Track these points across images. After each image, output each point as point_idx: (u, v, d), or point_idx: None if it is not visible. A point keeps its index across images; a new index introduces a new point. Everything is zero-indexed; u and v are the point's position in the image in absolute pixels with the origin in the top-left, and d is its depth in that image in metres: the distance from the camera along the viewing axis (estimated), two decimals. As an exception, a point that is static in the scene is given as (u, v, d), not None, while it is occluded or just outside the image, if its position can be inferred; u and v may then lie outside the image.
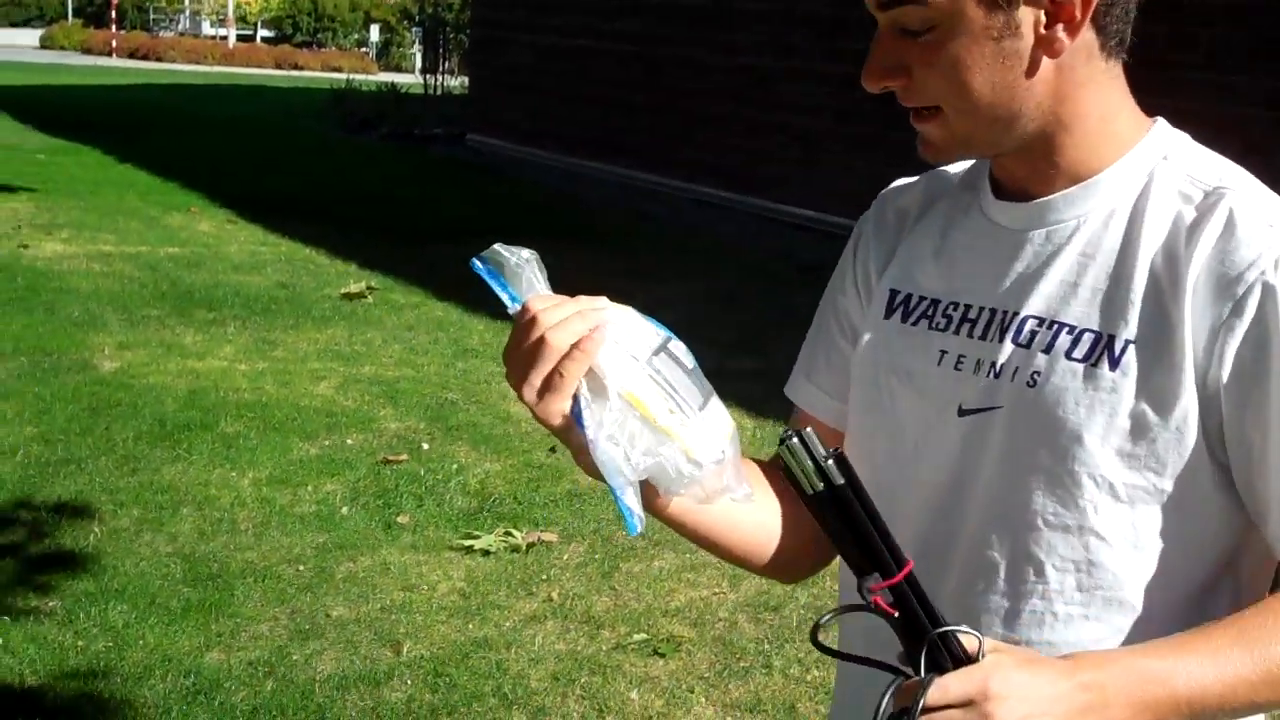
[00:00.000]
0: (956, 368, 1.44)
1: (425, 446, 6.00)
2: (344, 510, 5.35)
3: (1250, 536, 1.38)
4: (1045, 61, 1.36)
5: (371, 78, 24.05)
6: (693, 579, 4.78)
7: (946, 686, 1.19)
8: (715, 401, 1.37)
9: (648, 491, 1.35)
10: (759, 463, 1.61)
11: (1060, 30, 1.34)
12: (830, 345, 1.60)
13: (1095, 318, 1.36)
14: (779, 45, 11.14)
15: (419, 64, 24.66)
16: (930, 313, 1.49)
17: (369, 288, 8.91)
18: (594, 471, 1.31)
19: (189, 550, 4.92)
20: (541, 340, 1.29)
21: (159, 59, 33.52)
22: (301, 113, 20.71)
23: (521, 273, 1.33)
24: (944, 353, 1.45)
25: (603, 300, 1.34)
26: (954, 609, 1.32)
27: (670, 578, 4.76)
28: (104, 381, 6.82)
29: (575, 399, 1.31)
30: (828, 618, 1.31)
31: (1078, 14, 1.35)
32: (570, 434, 1.31)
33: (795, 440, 1.23)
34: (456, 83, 19.81)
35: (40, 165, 14.18)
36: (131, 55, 34.38)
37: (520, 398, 1.32)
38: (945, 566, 1.28)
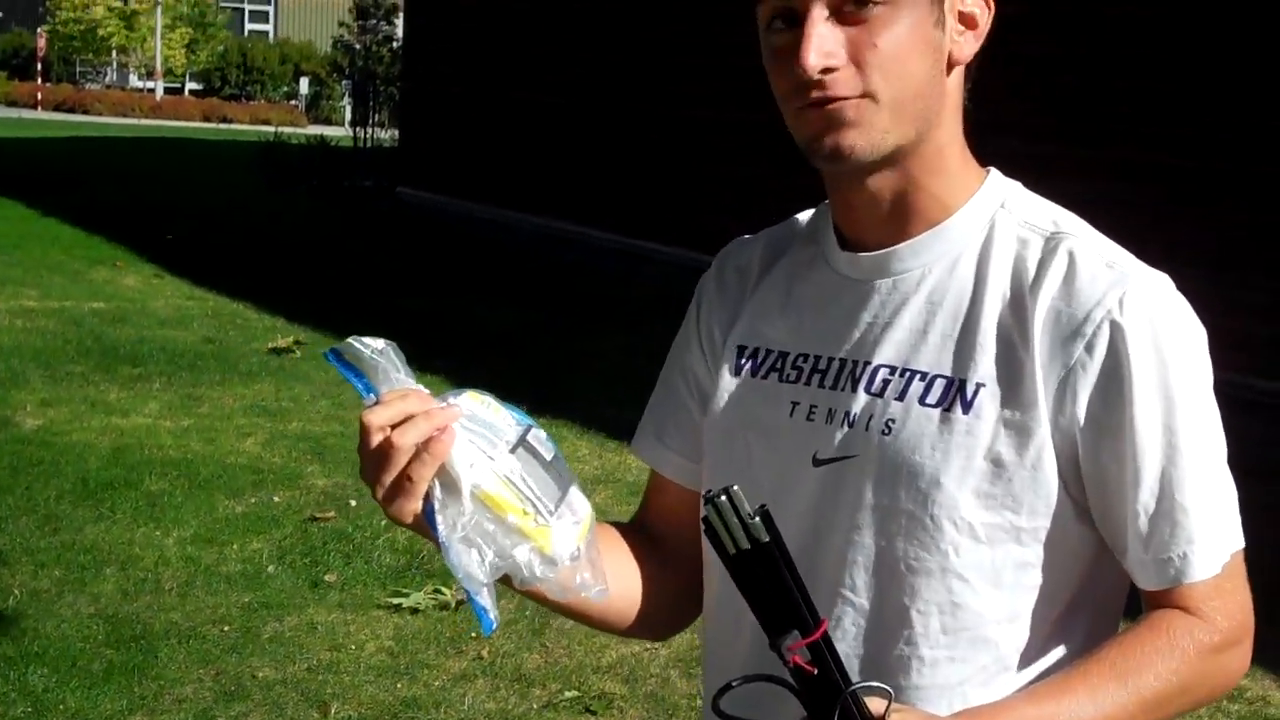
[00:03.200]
0: (809, 418, 1.45)
1: (353, 503, 5.94)
2: (270, 569, 5.28)
3: (1103, 565, 1.42)
4: (955, 69, 1.40)
5: (301, 130, 23.95)
6: (624, 635, 4.74)
7: None
8: (574, 491, 1.37)
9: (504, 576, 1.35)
10: (615, 525, 1.62)
11: (967, 37, 1.40)
12: (679, 406, 1.61)
13: (946, 363, 1.39)
14: (715, 97, 11.20)
15: (349, 116, 24.62)
16: (779, 365, 1.50)
17: (297, 342, 8.83)
18: None
19: (112, 611, 4.84)
20: (388, 442, 1.28)
21: (85, 111, 33.22)
22: (230, 165, 20.58)
23: (377, 365, 1.31)
24: (795, 404, 1.47)
25: (459, 397, 1.34)
26: None
27: (601, 634, 4.72)
28: (26, 439, 6.70)
29: (428, 498, 1.30)
30: (738, 683, 1.31)
31: (980, 23, 1.40)
32: (425, 532, 1.31)
33: (724, 499, 1.23)
34: (387, 135, 19.76)
35: (-38, 219, 13.98)
36: (57, 108, 34.03)
37: (373, 496, 1.32)
38: None
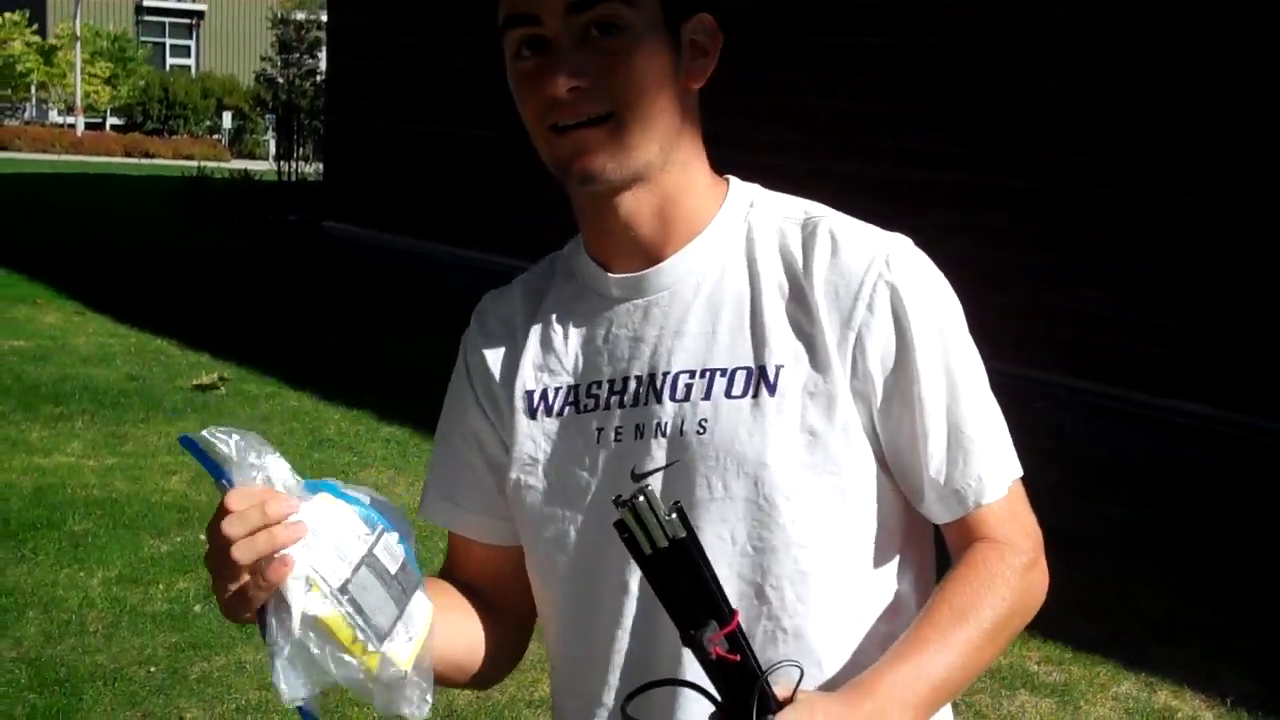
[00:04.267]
0: (617, 439, 1.49)
1: (281, 540, 5.88)
2: (197, 608, 5.22)
3: (914, 513, 1.52)
4: (689, 93, 1.48)
5: (224, 165, 23.79)
6: (556, 668, 4.72)
7: None
8: (416, 600, 1.38)
9: None
10: (441, 579, 1.63)
11: (699, 64, 1.48)
12: (464, 466, 1.62)
13: (743, 355, 1.47)
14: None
15: (273, 150, 24.49)
16: (573, 399, 1.53)
17: (221, 378, 8.74)
18: None
19: (35, 654, 4.76)
20: (228, 556, 1.30)
21: (3, 148, 32.78)
22: (152, 201, 20.40)
23: (234, 457, 1.31)
24: (600, 429, 1.50)
25: (311, 500, 1.34)
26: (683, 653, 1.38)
27: (533, 668, 4.70)
28: (-56, 481, 6.59)
29: (263, 608, 1.31)
30: (665, 684, 1.37)
31: (710, 51, 1.49)
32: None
33: (641, 499, 1.25)
34: (311, 169, 19.67)
35: (-122, 258, 13.75)
36: (-25, 144, 33.65)
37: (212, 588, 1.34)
38: (665, 624, 1.32)
